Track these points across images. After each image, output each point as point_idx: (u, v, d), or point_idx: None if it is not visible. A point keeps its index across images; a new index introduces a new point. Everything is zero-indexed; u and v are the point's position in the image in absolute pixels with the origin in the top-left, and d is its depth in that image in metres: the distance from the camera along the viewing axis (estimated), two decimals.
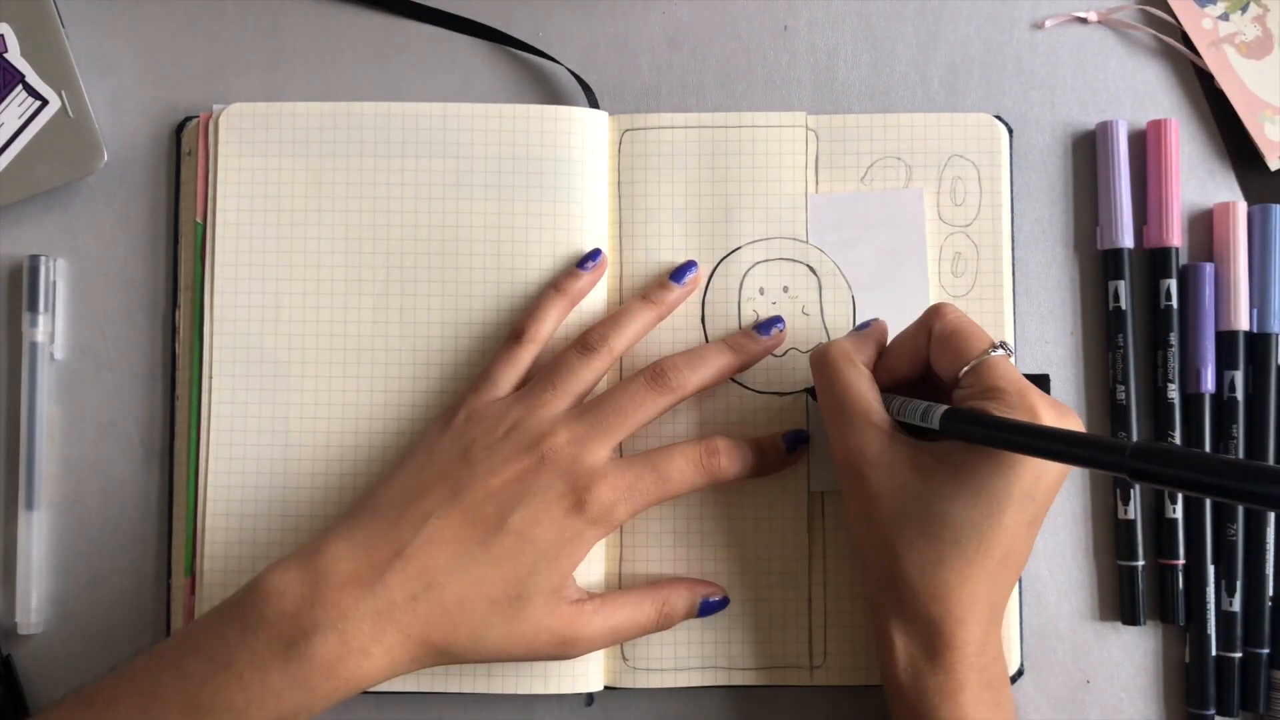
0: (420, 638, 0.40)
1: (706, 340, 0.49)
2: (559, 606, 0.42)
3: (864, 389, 0.43)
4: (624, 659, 0.47)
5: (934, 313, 0.43)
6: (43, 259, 0.49)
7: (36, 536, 0.48)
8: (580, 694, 0.48)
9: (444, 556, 0.41)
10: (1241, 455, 0.48)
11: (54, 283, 0.49)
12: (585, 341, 0.46)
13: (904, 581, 0.41)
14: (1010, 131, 0.50)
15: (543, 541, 0.41)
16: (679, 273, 0.48)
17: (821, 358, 0.44)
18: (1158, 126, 0.50)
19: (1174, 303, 0.49)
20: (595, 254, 0.48)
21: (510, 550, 0.41)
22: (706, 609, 0.46)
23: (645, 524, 0.48)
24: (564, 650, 0.43)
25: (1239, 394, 0.48)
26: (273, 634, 0.39)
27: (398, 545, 0.41)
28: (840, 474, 0.43)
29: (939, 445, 0.41)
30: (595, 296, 0.48)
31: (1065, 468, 0.40)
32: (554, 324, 0.47)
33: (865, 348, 0.44)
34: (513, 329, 0.47)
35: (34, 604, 0.48)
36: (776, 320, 0.48)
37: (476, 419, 0.44)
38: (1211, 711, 0.48)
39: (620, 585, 0.48)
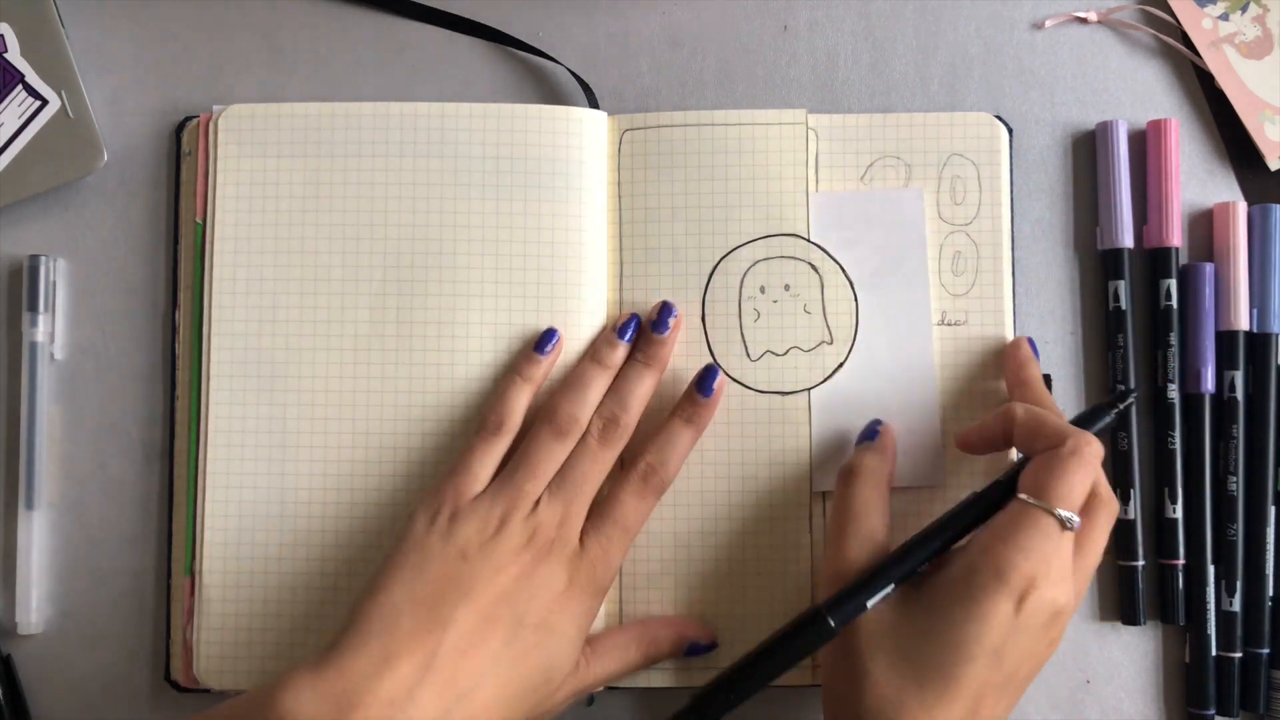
0: None
1: (706, 336, 0.48)
2: (574, 674, 0.44)
3: (880, 511, 0.44)
4: None
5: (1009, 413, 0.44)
6: (43, 259, 0.49)
7: (36, 536, 0.48)
8: None
9: (471, 663, 0.40)
10: (1241, 455, 0.48)
11: (54, 283, 0.49)
12: (556, 425, 0.45)
13: (860, 715, 0.39)
14: (1010, 131, 0.50)
15: (560, 628, 0.42)
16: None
17: (852, 473, 0.45)
18: (1158, 126, 0.50)
19: (1174, 303, 0.49)
20: (551, 334, 0.47)
21: (533, 645, 0.42)
22: (693, 652, 0.47)
23: (645, 525, 0.48)
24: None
25: (1239, 394, 0.48)
26: None
27: (423, 656, 0.39)
28: (826, 587, 0.43)
29: (934, 578, 0.41)
30: (595, 302, 0.48)
31: (1052, 646, 0.41)
32: (523, 410, 0.46)
33: (886, 466, 0.45)
34: (482, 419, 0.46)
35: (34, 604, 0.48)
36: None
37: (463, 517, 0.43)
38: (1211, 711, 0.48)
39: (622, 590, 0.48)
